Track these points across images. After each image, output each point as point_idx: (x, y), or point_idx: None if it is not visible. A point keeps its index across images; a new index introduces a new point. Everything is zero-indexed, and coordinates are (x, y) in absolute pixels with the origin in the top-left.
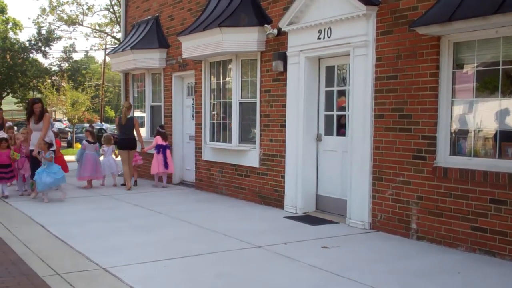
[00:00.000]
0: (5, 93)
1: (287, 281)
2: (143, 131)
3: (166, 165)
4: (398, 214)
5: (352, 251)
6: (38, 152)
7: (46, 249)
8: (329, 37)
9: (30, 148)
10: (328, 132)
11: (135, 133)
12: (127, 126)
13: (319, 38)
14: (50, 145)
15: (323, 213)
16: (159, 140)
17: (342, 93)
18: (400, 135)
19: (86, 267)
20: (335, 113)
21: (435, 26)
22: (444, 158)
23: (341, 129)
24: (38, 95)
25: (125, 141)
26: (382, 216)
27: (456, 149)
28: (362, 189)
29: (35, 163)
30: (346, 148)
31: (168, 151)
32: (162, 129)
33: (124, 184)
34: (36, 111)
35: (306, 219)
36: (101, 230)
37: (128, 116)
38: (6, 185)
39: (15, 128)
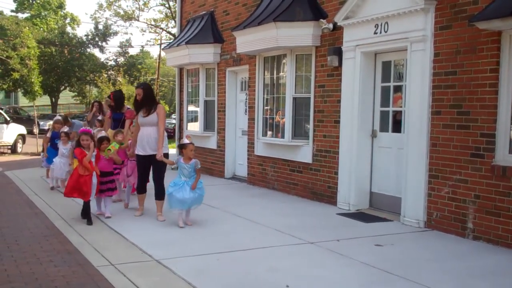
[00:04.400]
0: (63, 87)
1: (339, 278)
2: (197, 126)
3: None
4: (454, 213)
5: (406, 250)
6: (163, 156)
7: (101, 240)
8: (386, 32)
9: (138, 152)
10: (384, 128)
11: None
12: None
13: (375, 33)
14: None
15: (377, 210)
16: None
17: (398, 89)
18: (458, 132)
19: (140, 258)
20: (391, 109)
21: (496, 20)
22: (503, 156)
23: (397, 126)
24: (95, 89)
25: None
26: (438, 215)
27: None
28: (418, 186)
29: (157, 170)
30: (401, 144)
31: None
32: None
33: None
34: (138, 98)
35: (359, 216)
36: (155, 223)
37: None
38: (109, 200)
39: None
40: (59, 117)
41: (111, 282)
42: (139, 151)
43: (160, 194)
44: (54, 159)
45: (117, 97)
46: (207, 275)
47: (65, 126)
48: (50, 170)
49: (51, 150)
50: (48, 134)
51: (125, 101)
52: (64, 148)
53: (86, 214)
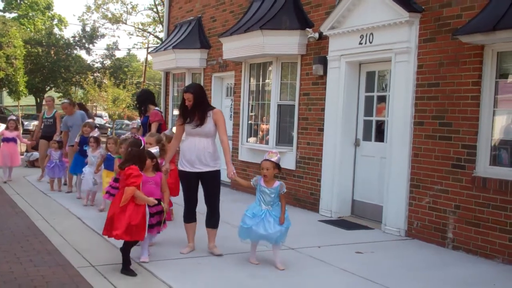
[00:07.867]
0: (48, 88)
1: (320, 285)
2: None
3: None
4: (434, 223)
5: (386, 258)
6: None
7: (82, 241)
8: (370, 43)
9: (183, 167)
10: (367, 137)
11: None
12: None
13: (360, 43)
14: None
15: (359, 218)
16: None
17: (382, 99)
18: (440, 143)
19: (121, 260)
20: (374, 118)
21: (478, 35)
22: (483, 168)
23: (380, 135)
24: (80, 91)
25: None
26: (418, 224)
27: (496, 159)
28: (399, 196)
29: (210, 191)
30: (384, 154)
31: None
32: None
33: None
34: (187, 104)
35: (341, 223)
36: None
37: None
38: (152, 238)
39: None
40: (89, 121)
41: (91, 284)
42: (184, 166)
43: (213, 220)
44: (83, 169)
45: (140, 98)
46: (188, 279)
47: (96, 130)
48: (76, 179)
49: (78, 157)
50: (77, 139)
51: (111, 103)
52: (93, 155)
53: (126, 262)
